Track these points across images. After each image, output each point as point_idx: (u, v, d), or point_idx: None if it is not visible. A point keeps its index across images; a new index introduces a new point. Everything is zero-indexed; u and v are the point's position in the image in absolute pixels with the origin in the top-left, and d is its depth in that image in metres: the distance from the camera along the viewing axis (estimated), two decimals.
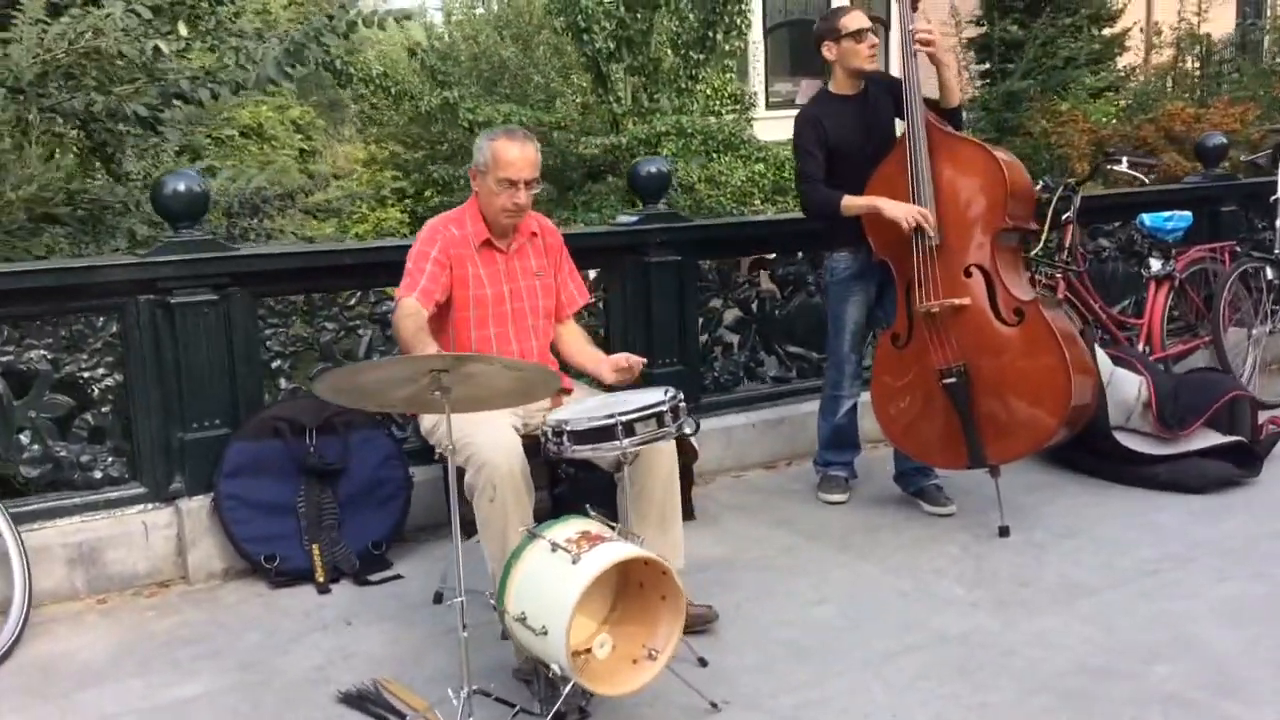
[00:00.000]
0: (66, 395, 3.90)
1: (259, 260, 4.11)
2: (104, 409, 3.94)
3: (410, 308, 3.19)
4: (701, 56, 13.84)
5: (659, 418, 3.03)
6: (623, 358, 3.39)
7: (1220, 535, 4.11)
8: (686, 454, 4.41)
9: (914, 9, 4.18)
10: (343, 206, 17.17)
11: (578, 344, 3.60)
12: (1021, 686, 3.05)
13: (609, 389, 3.59)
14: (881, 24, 15.97)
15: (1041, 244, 5.36)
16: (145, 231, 8.09)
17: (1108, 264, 6.32)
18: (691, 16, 13.65)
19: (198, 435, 3.98)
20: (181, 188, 3.94)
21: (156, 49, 5.76)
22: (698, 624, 3.40)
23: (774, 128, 15.34)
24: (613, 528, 2.91)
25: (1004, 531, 4.15)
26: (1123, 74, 12.83)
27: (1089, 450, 4.80)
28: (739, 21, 15.64)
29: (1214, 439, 4.78)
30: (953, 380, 4.06)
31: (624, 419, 2.97)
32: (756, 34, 23.77)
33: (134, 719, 3.06)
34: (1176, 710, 2.90)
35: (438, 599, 3.70)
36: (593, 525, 2.86)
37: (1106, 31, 13.24)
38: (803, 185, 4.33)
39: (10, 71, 5.35)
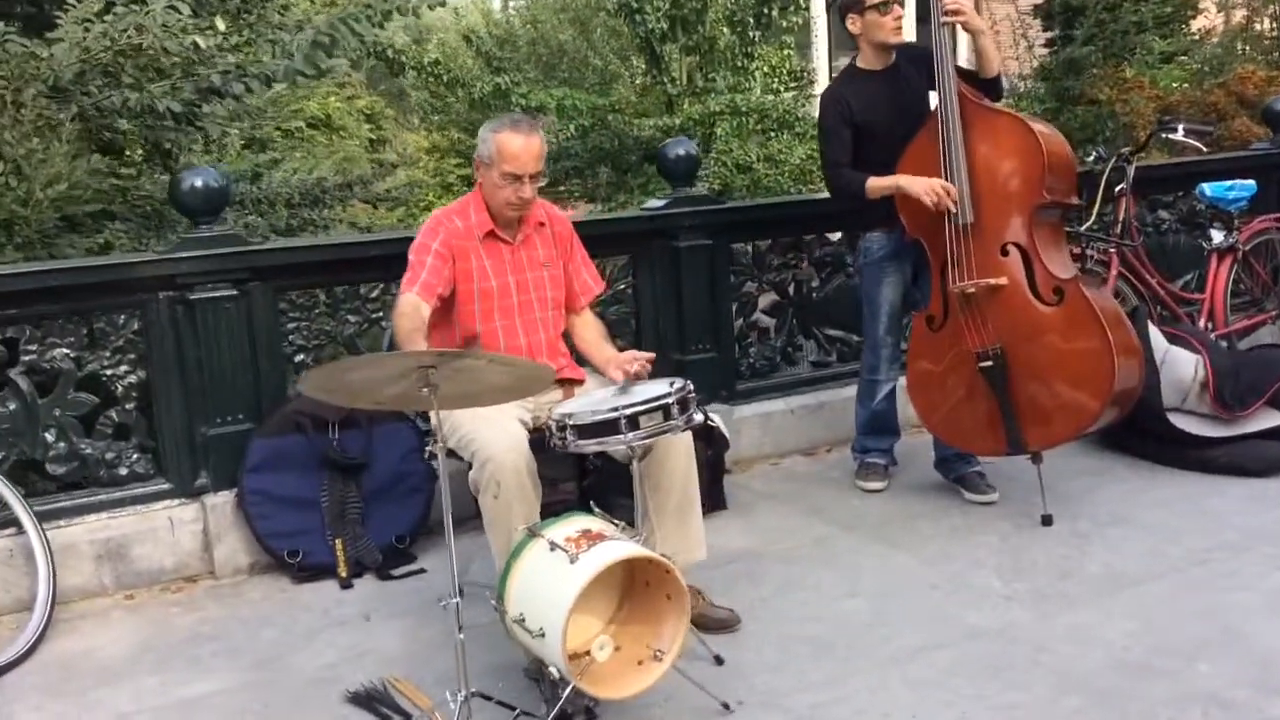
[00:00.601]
0: (90, 393, 3.90)
1: (279, 254, 4.08)
2: (128, 406, 3.95)
3: (408, 304, 3.12)
4: (757, 34, 13.62)
5: (665, 410, 2.92)
6: (629, 359, 3.28)
7: (1277, 523, 3.89)
8: (718, 443, 4.34)
9: None
10: (404, 195, 17.30)
11: (591, 338, 3.50)
12: (1053, 685, 2.91)
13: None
14: None
15: (1095, 217, 5.16)
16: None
17: (1168, 236, 6.06)
18: None
19: (221, 431, 3.97)
20: (199, 184, 3.92)
21: (195, 44, 5.81)
22: (718, 629, 3.30)
23: None
24: (617, 525, 2.82)
25: (1047, 520, 3.98)
26: (1195, 37, 12.35)
27: (1142, 433, 4.60)
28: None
29: (1276, 419, 4.54)
30: (989, 364, 3.89)
31: (628, 412, 2.88)
32: (819, 9, 23.43)
33: (147, 717, 3.05)
34: (1217, 711, 2.74)
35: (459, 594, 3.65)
36: (595, 523, 2.78)
37: None
38: (827, 170, 4.19)
39: (52, 71, 5.41)
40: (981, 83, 4.06)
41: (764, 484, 4.68)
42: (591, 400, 3.09)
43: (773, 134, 13.02)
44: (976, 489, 4.28)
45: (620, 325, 4.75)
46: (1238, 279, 5.65)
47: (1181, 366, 4.62)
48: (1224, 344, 5.30)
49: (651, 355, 3.33)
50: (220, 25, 6.05)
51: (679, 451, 3.27)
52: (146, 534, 3.92)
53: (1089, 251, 5.07)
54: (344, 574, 3.88)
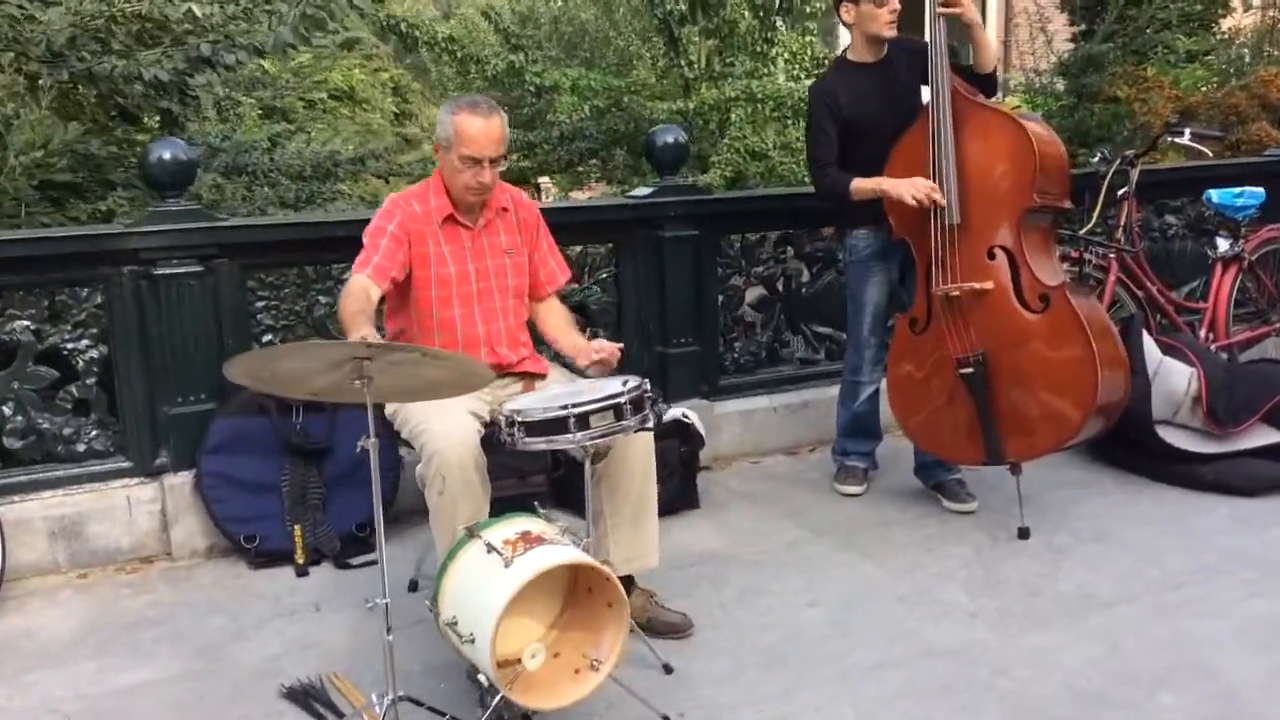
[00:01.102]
0: (50, 367, 3.83)
1: (246, 231, 4.00)
2: (88, 381, 3.88)
3: (357, 286, 3.02)
4: (779, 19, 13.41)
5: (617, 410, 2.82)
6: (598, 347, 3.18)
7: (1263, 545, 3.77)
8: (692, 440, 4.24)
9: None
10: (417, 170, 17.19)
11: (558, 326, 3.40)
12: (1006, 711, 2.80)
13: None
14: None
15: (1095, 221, 5.01)
16: (209, 196, 8.13)
17: (1175, 243, 5.91)
18: None
19: (183, 410, 3.90)
20: (167, 156, 3.83)
21: (190, 12, 5.72)
22: (670, 633, 3.22)
23: None
24: (560, 527, 2.73)
25: (1024, 533, 3.87)
26: (1224, 36, 12.06)
27: (1131, 445, 4.48)
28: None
29: (1272, 437, 4.41)
30: (970, 370, 3.78)
31: (577, 411, 2.78)
32: None
33: (78, 705, 2.98)
34: None
35: (412, 587, 3.57)
36: (537, 525, 2.68)
37: None
38: (812, 168, 4.08)
39: (45, 36, 5.34)
40: (977, 78, 3.93)
41: (741, 483, 4.58)
42: (545, 396, 3.00)
43: (789, 121, 12.84)
44: (956, 497, 4.17)
45: (602, 315, 4.65)
46: (1243, 289, 5.49)
47: (1175, 379, 4.49)
48: (1224, 356, 5.16)
49: (620, 346, 3.23)
50: None
51: (637, 453, 3.18)
52: (103, 512, 3.85)
53: (1087, 256, 4.92)
54: (301, 561, 3.80)
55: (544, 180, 14.30)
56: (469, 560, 2.60)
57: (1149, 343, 4.58)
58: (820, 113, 4.03)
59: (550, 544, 2.58)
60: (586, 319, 4.52)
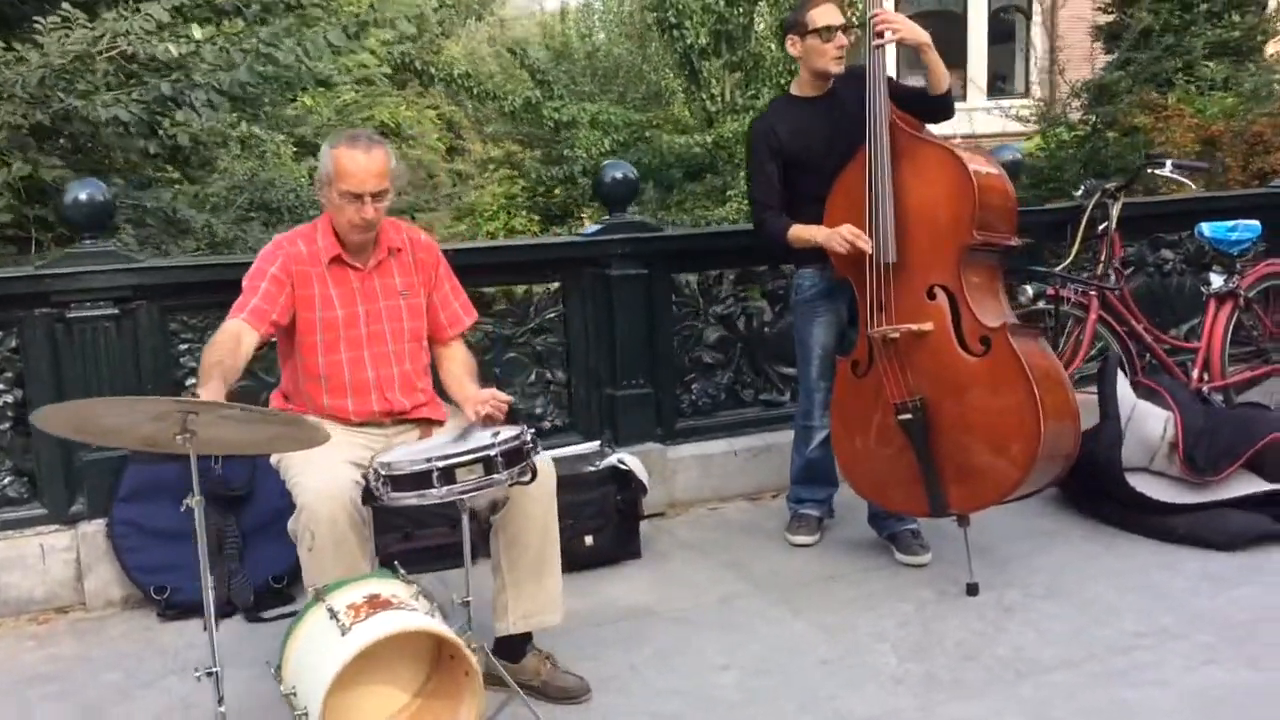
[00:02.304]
0: None
1: (163, 272, 3.90)
2: (2, 426, 3.80)
3: (225, 332, 2.90)
4: None
5: (487, 463, 2.66)
6: (484, 398, 3.02)
7: (1228, 605, 3.50)
8: (631, 488, 4.07)
9: None
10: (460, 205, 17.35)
11: (454, 374, 3.23)
12: None
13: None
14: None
15: (1073, 256, 4.78)
16: (223, 232, 8.12)
17: (1172, 278, 5.64)
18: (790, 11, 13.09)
19: (99, 455, 3.79)
20: (83, 196, 3.76)
21: (167, 51, 5.71)
22: (563, 698, 3.04)
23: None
24: (417, 588, 2.57)
25: (972, 590, 3.64)
26: (1265, 63, 11.69)
27: (1103, 494, 4.22)
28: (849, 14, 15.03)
29: (1252, 486, 4.12)
30: (908, 416, 3.56)
31: (442, 465, 2.62)
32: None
33: None
34: None
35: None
36: (390, 587, 2.52)
37: (1248, 18, 12.11)
38: (753, 210, 3.90)
39: (20, 78, 5.34)
40: (931, 101, 3.74)
41: (691, 532, 4.38)
42: (420, 448, 2.84)
43: None
44: (908, 549, 3.94)
45: (549, 356, 4.50)
46: (1241, 327, 5.20)
47: (1150, 423, 4.23)
48: (1219, 398, 4.88)
49: (509, 398, 3.07)
50: (196, 33, 5.94)
51: (536, 505, 3.02)
52: (15, 561, 3.75)
53: (1064, 294, 4.69)
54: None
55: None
56: (310, 626, 2.45)
57: (1123, 385, 4.33)
58: (760, 151, 3.86)
59: (397, 609, 2.42)
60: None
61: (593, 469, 4.04)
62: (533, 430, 2.85)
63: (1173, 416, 4.23)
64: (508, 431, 2.78)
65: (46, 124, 5.55)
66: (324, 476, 2.80)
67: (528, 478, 2.76)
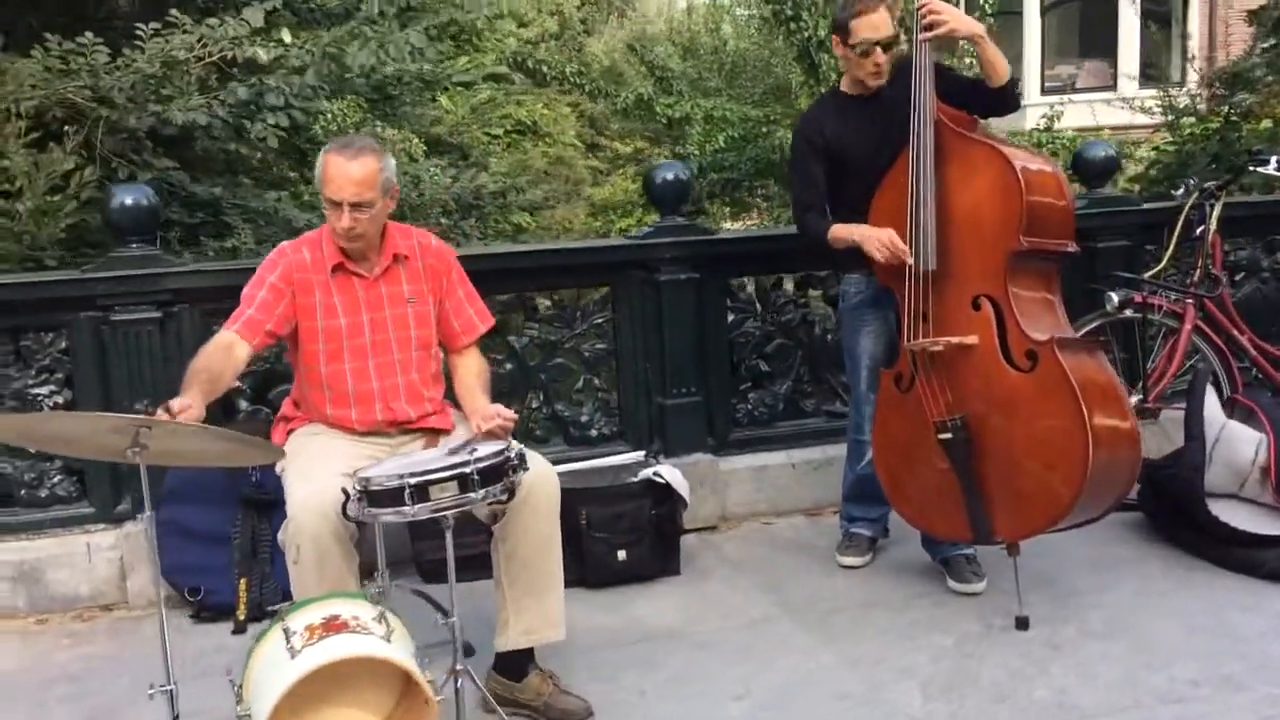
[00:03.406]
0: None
1: (201, 276, 3.93)
2: None
3: (215, 343, 2.89)
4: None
5: (462, 481, 2.56)
6: (489, 414, 2.92)
7: None
8: (668, 502, 3.93)
9: None
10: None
11: (466, 384, 3.14)
12: None
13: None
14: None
15: (1166, 261, 4.43)
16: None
17: None
18: None
19: None
20: (129, 201, 3.82)
21: (256, 56, 5.81)
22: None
23: (1070, 115, 14.13)
24: (383, 609, 2.48)
25: (1021, 624, 3.38)
26: None
27: (1187, 521, 3.88)
28: (983, 2, 14.47)
29: None
30: (949, 436, 3.32)
31: (413, 482, 2.53)
32: (1033, 13, 22.16)
33: None
34: None
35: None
36: (353, 608, 2.44)
37: None
38: (795, 210, 3.71)
39: (118, 84, 5.50)
40: (991, 94, 3.48)
41: (739, 548, 4.21)
42: (401, 463, 2.75)
43: None
44: (960, 576, 3.69)
45: (597, 362, 4.39)
46: None
47: (1240, 446, 3.88)
48: None
49: (514, 416, 2.96)
50: (286, 37, 6.03)
51: (535, 519, 2.93)
52: (63, 558, 3.84)
53: (1155, 301, 4.33)
54: (241, 617, 3.69)
55: None
56: (267, 646, 2.39)
57: (1212, 404, 3.97)
58: (802, 150, 3.67)
59: (352, 632, 2.34)
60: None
61: (627, 481, 3.91)
62: (519, 448, 2.74)
63: (1267, 439, 3.86)
64: (488, 448, 2.67)
65: (143, 130, 5.69)
66: (312, 488, 2.75)
67: (505, 497, 2.65)
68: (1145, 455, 4.21)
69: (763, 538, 4.32)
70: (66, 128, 4.87)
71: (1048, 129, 14.12)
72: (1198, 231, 4.43)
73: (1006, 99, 3.51)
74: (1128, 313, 4.34)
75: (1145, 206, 4.82)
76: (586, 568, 3.83)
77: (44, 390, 3.84)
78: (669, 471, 3.95)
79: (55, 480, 3.90)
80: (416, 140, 14.89)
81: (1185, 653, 3.20)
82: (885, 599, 3.69)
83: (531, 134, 21.97)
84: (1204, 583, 3.68)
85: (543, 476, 2.97)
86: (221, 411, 3.96)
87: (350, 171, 2.84)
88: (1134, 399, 4.31)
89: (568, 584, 3.81)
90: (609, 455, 4.23)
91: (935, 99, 3.37)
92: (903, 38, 3.58)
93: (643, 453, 4.21)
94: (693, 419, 4.37)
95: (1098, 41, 22.60)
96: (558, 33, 28.23)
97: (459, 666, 2.74)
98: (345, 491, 2.63)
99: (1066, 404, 3.10)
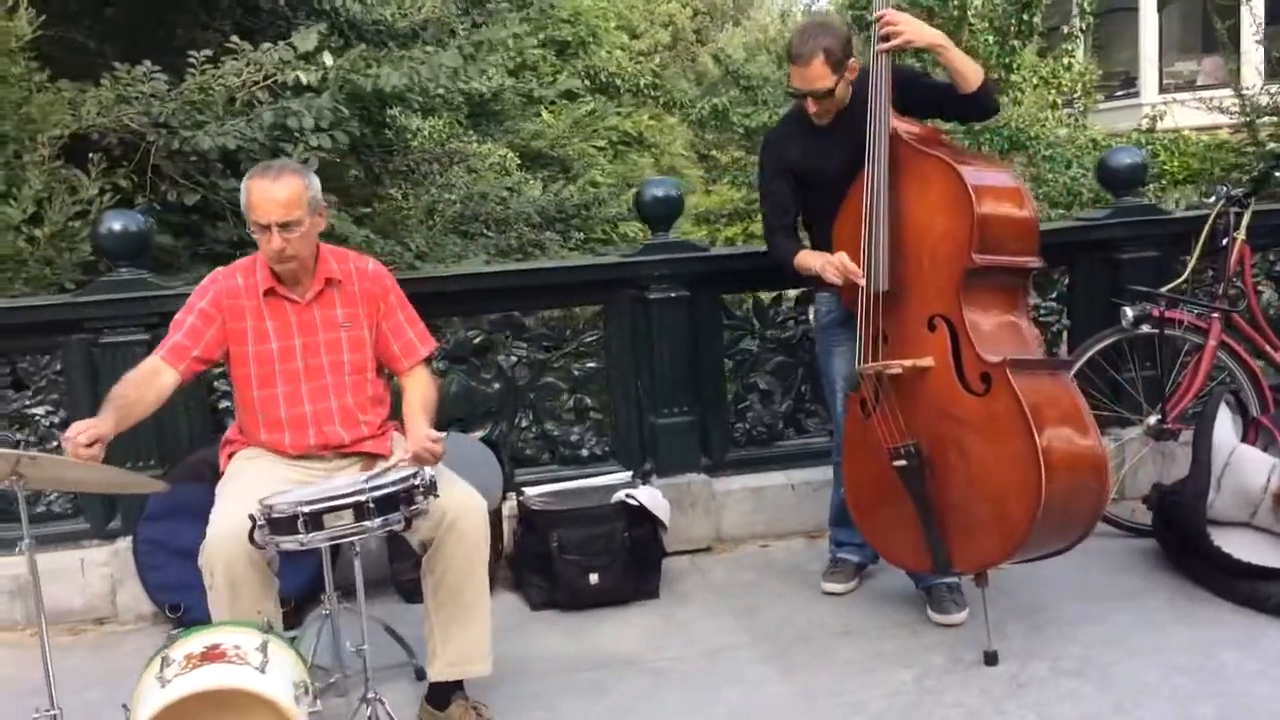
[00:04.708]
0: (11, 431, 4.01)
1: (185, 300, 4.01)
2: (49, 445, 4.02)
3: (139, 369, 2.96)
4: (1017, 43, 12.42)
5: (358, 509, 2.55)
6: (419, 439, 2.90)
7: None
8: (644, 524, 3.87)
9: None
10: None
11: (410, 405, 3.11)
12: None
13: None
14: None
15: (1189, 273, 4.17)
16: (422, 245, 8.56)
17: None
18: None
19: None
20: (117, 227, 3.92)
21: (297, 79, 5.97)
22: None
23: (1176, 114, 13.62)
24: (270, 637, 2.48)
25: (990, 658, 3.22)
26: None
27: (1192, 550, 3.65)
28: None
29: None
30: (903, 463, 3.18)
31: (307, 510, 2.54)
32: (1149, 8, 21.30)
33: None
34: None
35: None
36: (235, 637, 2.45)
37: None
38: (765, 233, 3.61)
39: (165, 110, 5.70)
40: (963, 100, 3.33)
41: (726, 572, 4.11)
42: (315, 489, 2.75)
43: (1033, 150, 11.79)
44: (940, 606, 3.54)
45: (588, 381, 4.35)
46: None
47: (1249, 471, 3.63)
48: None
49: (441, 438, 2.93)
50: (328, 60, 6.16)
51: (459, 546, 2.93)
52: (59, 573, 3.95)
53: (1174, 316, 4.08)
54: None
55: None
56: (147, 674, 2.41)
57: (1224, 426, 3.73)
58: (766, 170, 3.58)
59: (227, 662, 2.35)
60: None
61: (598, 504, 3.86)
62: (430, 474, 2.72)
63: (1279, 464, 3.60)
64: (389, 475, 2.66)
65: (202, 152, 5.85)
66: (227, 514, 2.78)
67: (400, 525, 2.63)
68: (1159, 480, 4.04)
69: (755, 561, 4.21)
70: (112, 153, 5.05)
71: (1150, 129, 13.55)
72: (1224, 242, 4.16)
73: (981, 104, 3.36)
74: (1145, 328, 4.10)
75: (1175, 215, 4.56)
76: (559, 590, 3.79)
77: (40, 410, 3.99)
78: (644, 493, 3.89)
79: (52, 496, 4.03)
80: (511, 154, 15.10)
81: (1159, 694, 3.00)
82: (860, 628, 3.55)
83: (638, 145, 22.06)
84: (1204, 617, 3.45)
85: (468, 505, 2.95)
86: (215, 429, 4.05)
87: (274, 193, 2.86)
88: (1152, 419, 4.10)
89: (541, 605, 3.84)
90: (599, 475, 4.19)
91: (892, 112, 3.23)
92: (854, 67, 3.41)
93: (630, 473, 4.16)
94: (685, 438, 4.29)
95: (1220, 37, 21.74)
96: (670, 44, 28.35)
97: (370, 695, 2.75)
98: (252, 518, 2.65)
99: (1018, 430, 2.94)
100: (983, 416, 3.04)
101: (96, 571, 3.99)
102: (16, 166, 4.93)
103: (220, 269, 3.11)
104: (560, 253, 10.45)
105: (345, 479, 2.86)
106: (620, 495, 3.86)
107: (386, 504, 2.59)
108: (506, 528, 4.10)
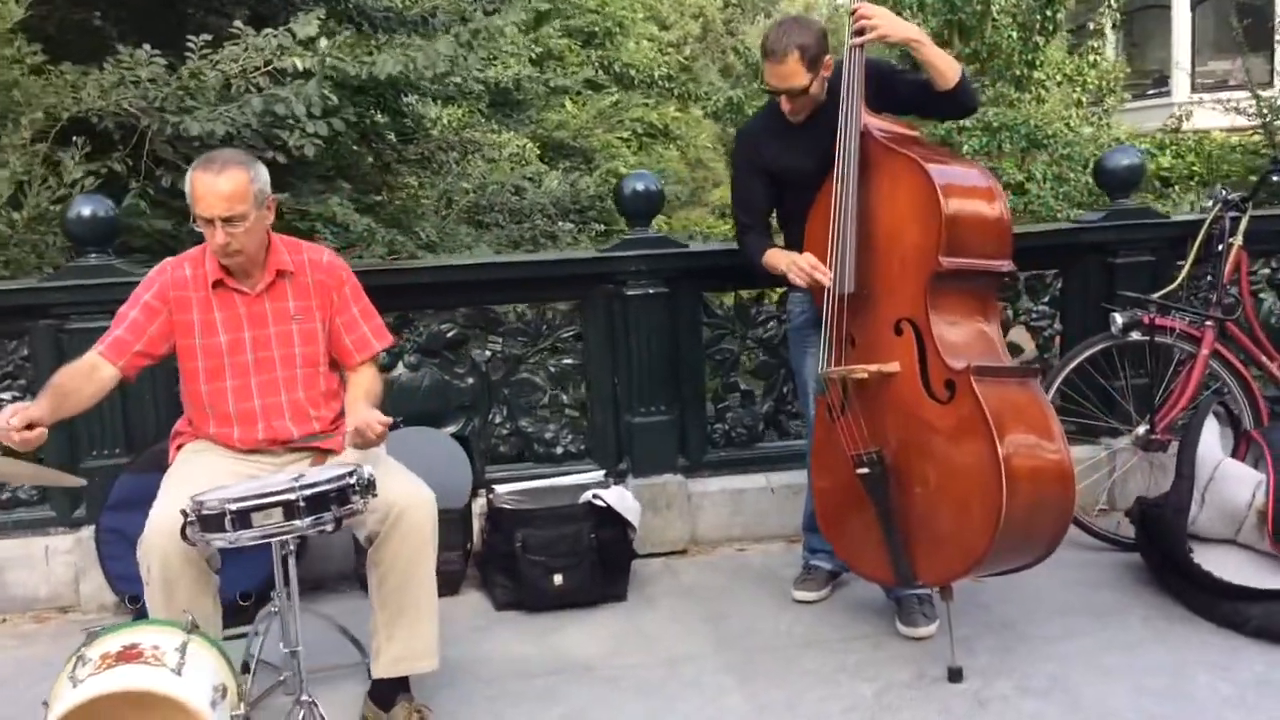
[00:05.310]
0: None
1: None
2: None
3: (76, 364, 2.89)
4: (1041, 39, 12.22)
5: (287, 508, 2.48)
6: (363, 419, 2.83)
7: None
8: (612, 525, 3.80)
9: None
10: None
11: (351, 395, 3.04)
12: None
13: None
14: None
15: (1182, 279, 4.05)
16: (432, 235, 8.53)
17: None
18: None
19: (97, 463, 3.91)
20: (86, 212, 3.88)
21: (294, 65, 5.91)
22: None
23: (1204, 115, 13.39)
24: (192, 637, 2.42)
25: (954, 675, 3.12)
26: None
27: (1173, 567, 3.54)
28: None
29: None
30: (865, 471, 3.09)
31: (234, 507, 2.47)
32: (1182, 6, 20.97)
33: None
34: None
35: (245, 669, 3.36)
36: (154, 637, 2.39)
37: None
38: (736, 231, 3.52)
39: (159, 91, 5.66)
40: (940, 97, 3.22)
41: (699, 575, 4.02)
42: (242, 486, 2.68)
43: (1054, 149, 11.59)
44: (909, 618, 3.43)
45: (564, 378, 4.28)
46: None
47: (1234, 487, 3.51)
48: None
49: (387, 421, 2.86)
50: (323, 44, 6.10)
51: (403, 543, 2.87)
52: (22, 560, 3.93)
53: (1165, 323, 3.95)
54: None
55: None
56: (64, 673, 2.35)
57: (1210, 439, 3.60)
58: (741, 167, 3.49)
59: (142, 663, 2.29)
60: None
61: (565, 503, 3.78)
62: (368, 472, 2.65)
63: (1267, 481, 3.47)
64: (323, 473, 2.59)
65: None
66: (164, 509, 2.72)
67: (330, 527, 2.55)
68: (1143, 492, 3.93)
69: (730, 565, 4.12)
70: (110, 137, 5.01)
71: (1175, 130, 13.31)
72: (1220, 247, 4.03)
73: (959, 101, 3.25)
74: (1135, 335, 3.98)
75: (1173, 219, 4.43)
76: (523, 591, 3.73)
77: (6, 396, 3.94)
78: (612, 494, 3.80)
79: (19, 484, 4.00)
80: (530, 144, 15.03)
81: (1126, 718, 2.89)
82: (825, 638, 3.46)
83: (664, 137, 21.97)
84: (1182, 636, 3.33)
85: (416, 499, 2.89)
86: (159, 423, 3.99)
87: (218, 187, 2.79)
88: (1140, 429, 3.98)
89: (506, 606, 3.78)
90: (574, 474, 4.11)
91: (865, 108, 3.13)
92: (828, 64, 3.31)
93: (603, 472, 4.08)
94: (662, 438, 4.21)
95: (1255, 36, 21.35)
96: (701, 35, 28.15)
97: (304, 698, 2.68)
98: (184, 513, 2.59)
99: (980, 439, 2.84)
100: (946, 425, 2.94)
101: (60, 560, 3.95)
102: (4, 149, 4.91)
103: (169, 259, 3.04)
104: (579, 243, 10.36)
105: (286, 475, 2.79)
106: (588, 496, 3.78)
107: (317, 503, 2.51)
108: (476, 525, 4.03)
